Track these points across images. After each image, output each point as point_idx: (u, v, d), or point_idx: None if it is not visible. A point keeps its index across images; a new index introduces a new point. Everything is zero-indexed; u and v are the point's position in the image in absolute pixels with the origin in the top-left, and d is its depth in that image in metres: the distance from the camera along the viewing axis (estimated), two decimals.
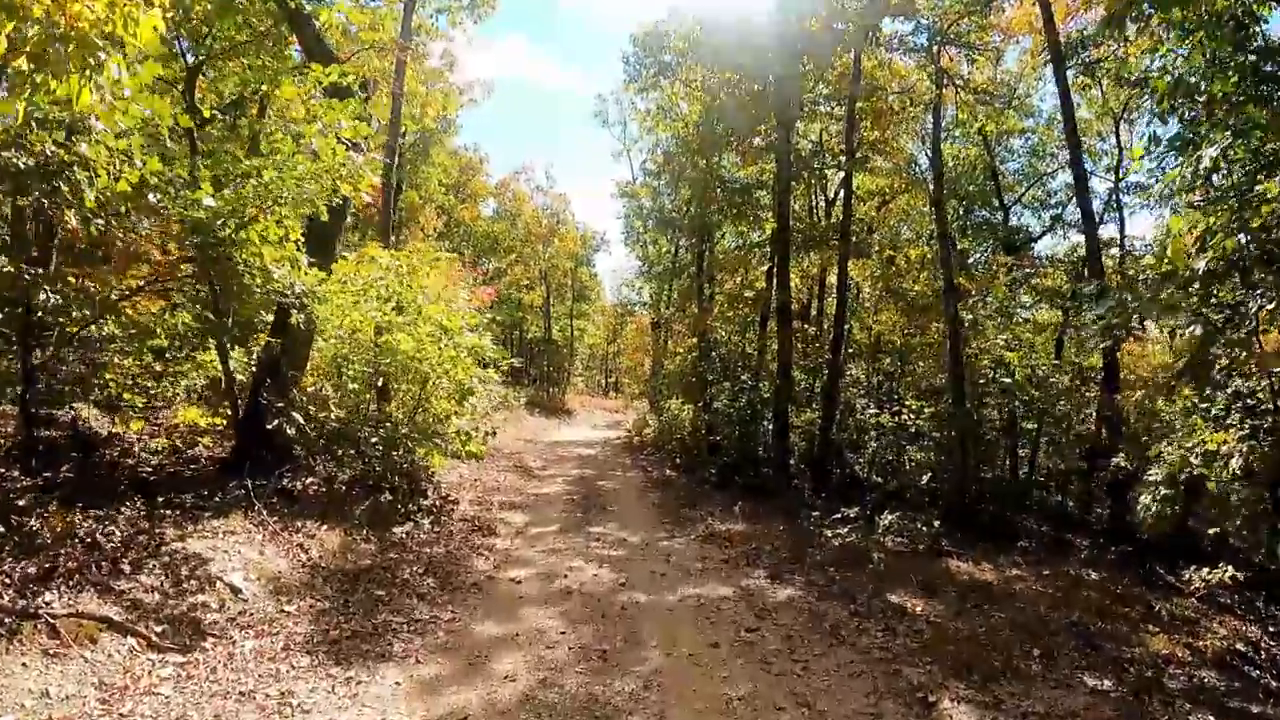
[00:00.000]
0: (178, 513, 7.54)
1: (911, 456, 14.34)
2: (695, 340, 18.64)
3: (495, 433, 11.93)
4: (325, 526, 8.24)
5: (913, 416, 15.10)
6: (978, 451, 12.70)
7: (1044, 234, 24.40)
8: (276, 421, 8.54)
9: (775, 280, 14.56)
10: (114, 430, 10.00)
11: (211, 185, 6.90)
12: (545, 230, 39.96)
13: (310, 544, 7.65)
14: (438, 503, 10.59)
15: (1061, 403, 15.38)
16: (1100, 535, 14.65)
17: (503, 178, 41.30)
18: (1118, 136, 21.38)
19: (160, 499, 7.78)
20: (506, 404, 27.23)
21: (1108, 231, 32.52)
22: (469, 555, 8.18)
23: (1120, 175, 20.71)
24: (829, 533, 10.10)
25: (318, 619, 5.89)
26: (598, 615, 6.11)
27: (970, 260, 21.42)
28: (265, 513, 8.05)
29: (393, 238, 15.37)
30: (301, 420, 8.69)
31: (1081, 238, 22.94)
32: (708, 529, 9.89)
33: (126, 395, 9.76)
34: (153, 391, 10.58)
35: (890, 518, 10.45)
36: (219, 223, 6.89)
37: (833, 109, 16.57)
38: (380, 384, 10.18)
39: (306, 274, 7.65)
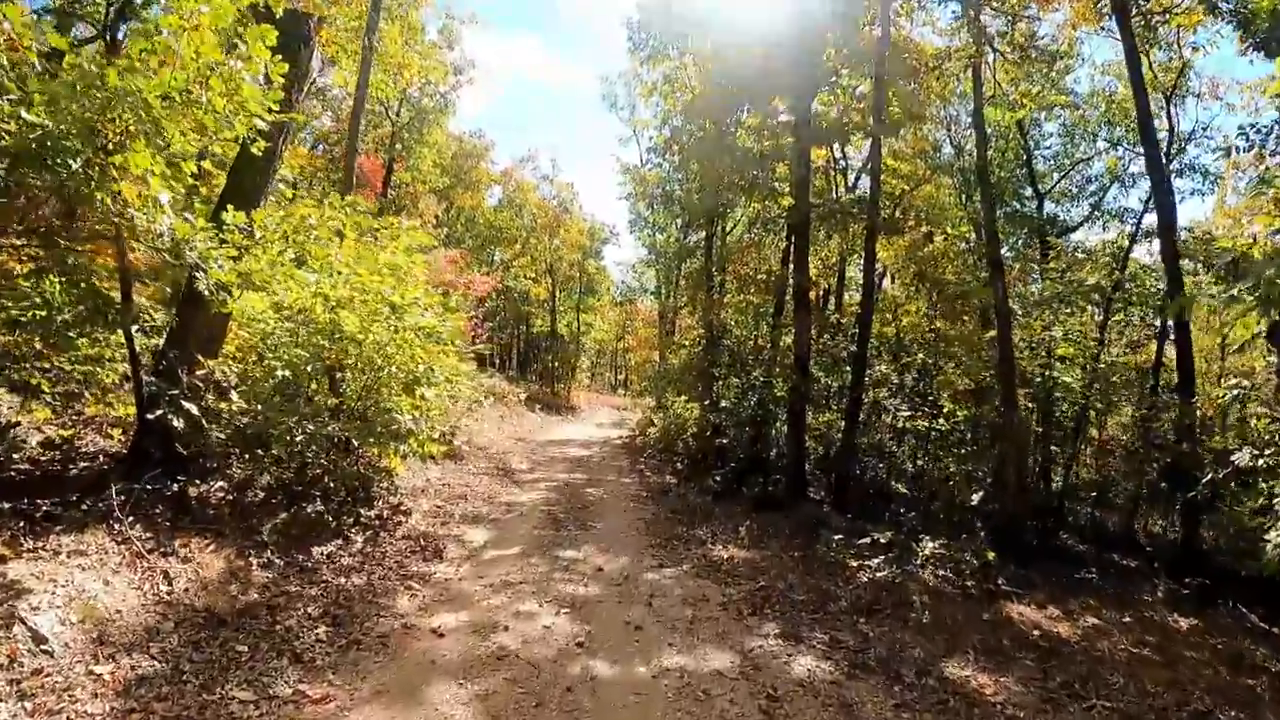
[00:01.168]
0: (22, 524, 5.84)
1: (947, 467, 12.38)
2: (702, 331, 16.74)
3: (454, 432, 10.11)
4: (214, 546, 6.47)
5: (945, 421, 13.19)
6: (1031, 462, 10.75)
7: (1081, 224, 22.40)
8: (160, 412, 6.76)
9: (792, 261, 12.65)
10: (13, 421, 8.33)
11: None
12: (551, 220, 38.13)
13: (182, 571, 5.88)
14: (384, 514, 8.82)
15: (1120, 403, 13.48)
16: (1153, 558, 12.87)
17: (507, 166, 39.65)
18: (1169, 116, 19.31)
19: (8, 505, 6.08)
20: (499, 397, 25.57)
21: (1154, 219, 30.31)
22: (394, 589, 6.35)
23: (1170, 156, 18.66)
24: (854, 562, 8.21)
25: (127, 692, 4.09)
26: (531, 703, 4.20)
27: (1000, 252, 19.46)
28: (140, 527, 6.32)
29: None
30: (195, 411, 6.90)
31: (1125, 227, 20.96)
32: (706, 556, 7.98)
33: (31, 379, 8.12)
34: (69, 376, 8.96)
35: (931, 545, 8.55)
36: (48, 146, 5.09)
37: (856, 84, 14.67)
38: (312, 370, 8.36)
39: (180, 223, 5.85)
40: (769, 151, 14.32)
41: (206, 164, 7.33)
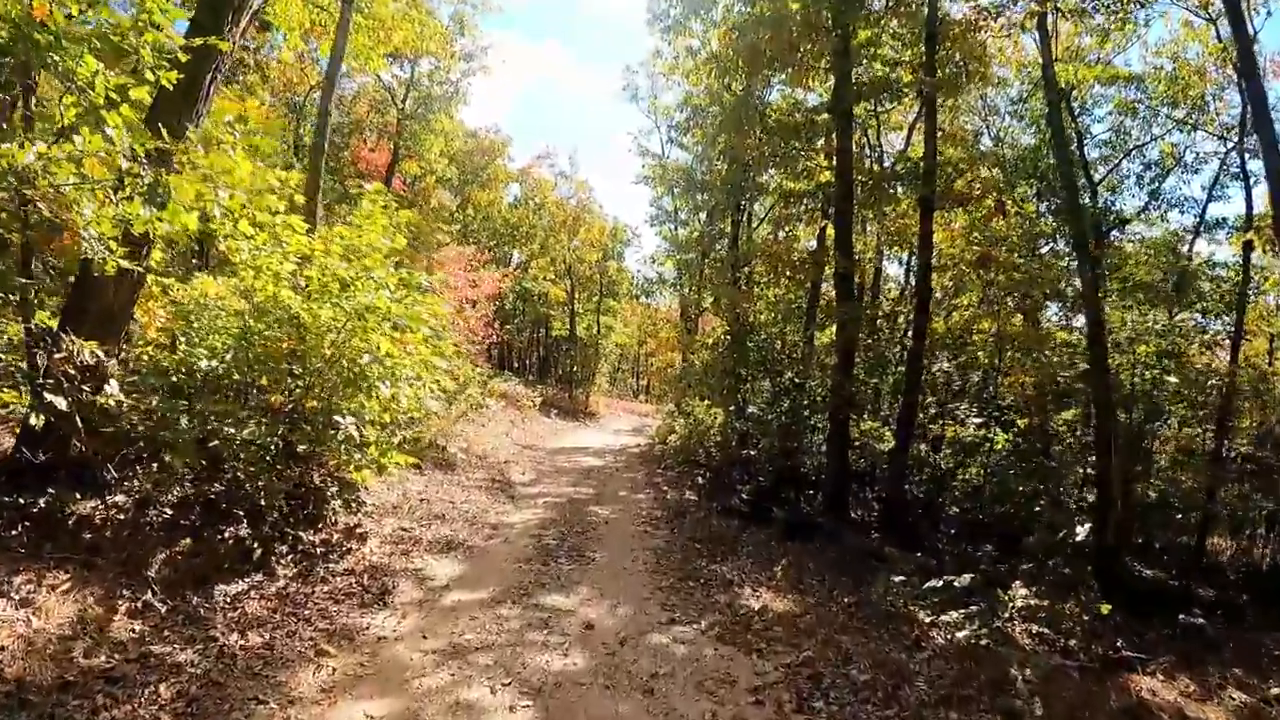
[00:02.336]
0: None
1: (1029, 488, 10.41)
2: (727, 328, 14.91)
3: (418, 439, 8.45)
4: (74, 584, 4.86)
5: (1006, 432, 11.27)
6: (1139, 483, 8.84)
7: (1137, 215, 20.19)
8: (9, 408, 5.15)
9: (832, 243, 10.84)
10: None
11: None
12: (570, 218, 36.52)
13: (10, 620, 4.27)
14: (333, 538, 7.14)
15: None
16: (1242, 588, 11.13)
17: (525, 163, 38.11)
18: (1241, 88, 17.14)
19: None
20: (512, 401, 23.99)
21: (1226, 208, 27.79)
22: (302, 654, 4.63)
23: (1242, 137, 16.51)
24: (924, 615, 6.36)
25: None
26: None
27: (1045, 250, 17.42)
28: None
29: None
30: (64, 405, 5.25)
31: (1186, 219, 18.73)
32: (732, 604, 6.12)
33: None
34: None
35: (1022, 592, 6.68)
36: None
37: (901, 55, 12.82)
38: (237, 359, 6.71)
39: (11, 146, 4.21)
40: (804, 125, 12.53)
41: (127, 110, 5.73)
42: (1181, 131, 18.84)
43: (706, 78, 15.40)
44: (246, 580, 5.72)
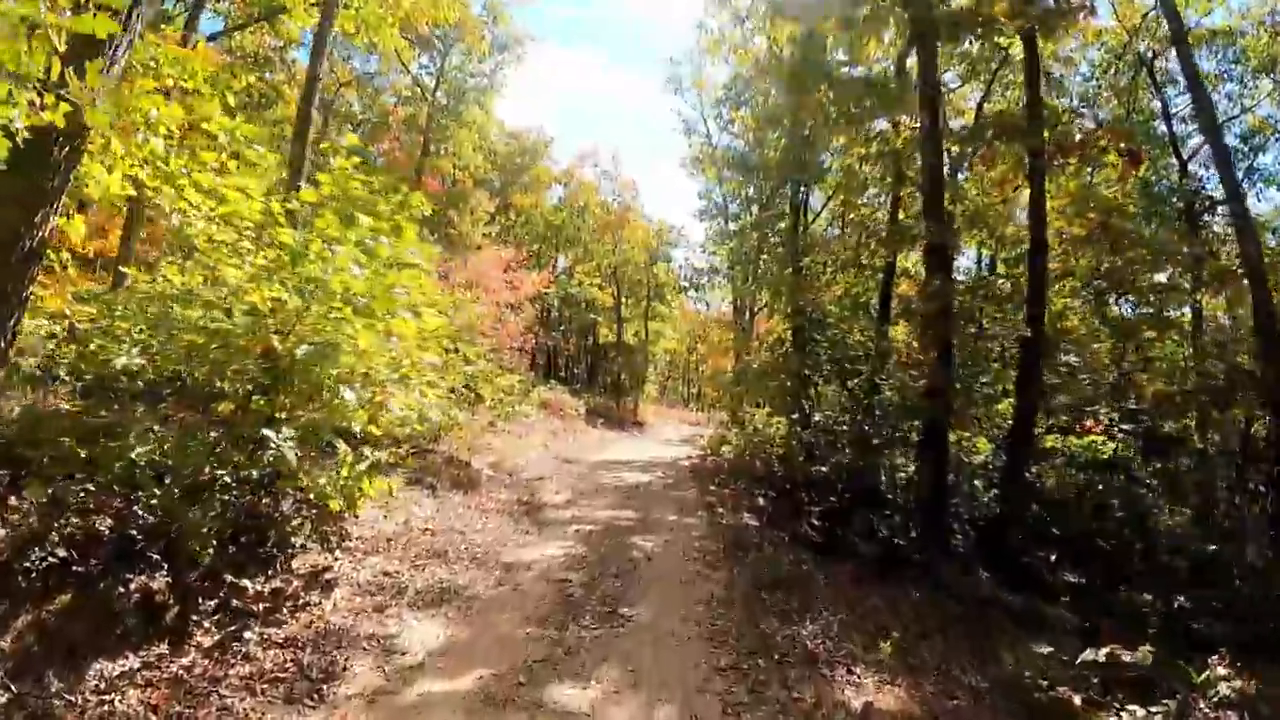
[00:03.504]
0: None
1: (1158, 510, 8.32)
2: (788, 326, 13.01)
3: (397, 464, 6.85)
4: None
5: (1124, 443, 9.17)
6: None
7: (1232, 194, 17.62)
8: None
9: (923, 207, 8.90)
10: None
11: None
12: (614, 219, 35.09)
13: None
14: (292, 586, 5.54)
15: None
16: None
17: (568, 164, 36.86)
18: None
19: None
20: (556, 410, 22.55)
21: None
22: None
23: None
24: (1088, 706, 4.44)
25: None
26: None
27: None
28: None
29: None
30: None
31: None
32: (821, 702, 4.21)
33: None
34: None
35: (1222, 672, 4.70)
36: None
37: None
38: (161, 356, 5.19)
39: None
40: (876, 83, 10.65)
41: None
42: (1274, 102, 16.82)
43: (759, 33, 13.62)
44: (141, 654, 4.16)
